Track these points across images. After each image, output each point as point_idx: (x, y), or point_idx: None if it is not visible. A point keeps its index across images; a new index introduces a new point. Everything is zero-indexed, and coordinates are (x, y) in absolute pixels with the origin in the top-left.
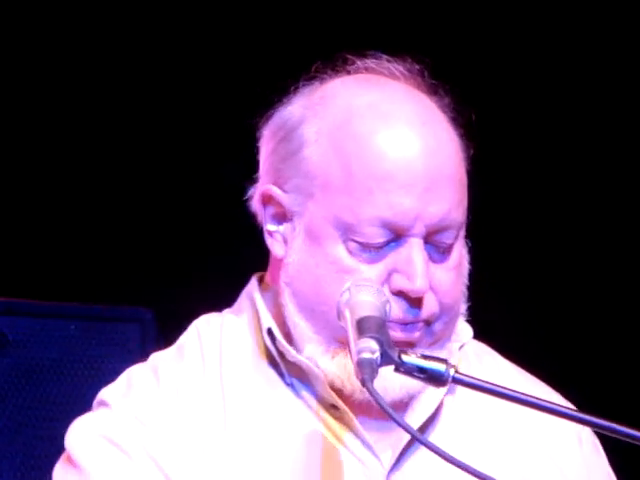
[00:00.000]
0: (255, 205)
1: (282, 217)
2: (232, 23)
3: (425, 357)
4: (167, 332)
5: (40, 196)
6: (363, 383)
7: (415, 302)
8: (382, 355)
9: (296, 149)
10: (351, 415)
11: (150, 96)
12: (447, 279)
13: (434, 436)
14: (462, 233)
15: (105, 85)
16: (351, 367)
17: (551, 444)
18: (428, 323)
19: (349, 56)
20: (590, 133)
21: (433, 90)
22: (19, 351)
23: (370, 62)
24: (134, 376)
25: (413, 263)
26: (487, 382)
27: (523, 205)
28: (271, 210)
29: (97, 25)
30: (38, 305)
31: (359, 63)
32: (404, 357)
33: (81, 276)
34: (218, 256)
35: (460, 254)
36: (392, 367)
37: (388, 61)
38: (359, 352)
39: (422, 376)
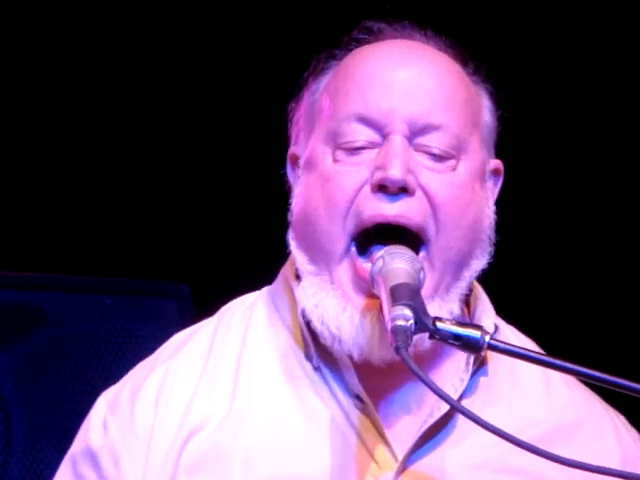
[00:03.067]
0: (289, 176)
1: None
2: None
3: (460, 324)
4: (204, 307)
5: (77, 171)
6: (397, 351)
7: (393, 193)
8: (416, 322)
9: (310, 107)
10: (373, 409)
11: (188, 75)
12: (445, 187)
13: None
14: (471, 155)
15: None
16: (326, 309)
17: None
18: (420, 232)
19: (370, 24)
20: (603, 122)
21: (451, 52)
22: (56, 326)
23: (391, 29)
24: (133, 381)
25: (389, 153)
26: (522, 348)
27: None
28: (298, 171)
29: (102, 24)
30: (75, 280)
31: (381, 30)
32: (438, 324)
33: (118, 251)
34: (256, 232)
35: (473, 180)
36: (426, 334)
37: (409, 27)
38: (393, 319)
39: (457, 343)
